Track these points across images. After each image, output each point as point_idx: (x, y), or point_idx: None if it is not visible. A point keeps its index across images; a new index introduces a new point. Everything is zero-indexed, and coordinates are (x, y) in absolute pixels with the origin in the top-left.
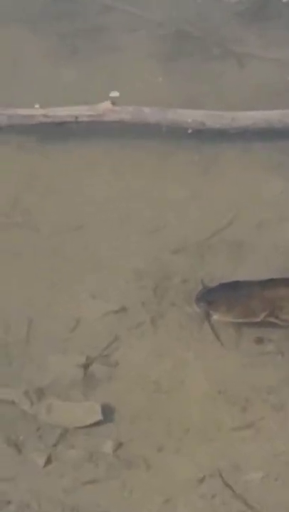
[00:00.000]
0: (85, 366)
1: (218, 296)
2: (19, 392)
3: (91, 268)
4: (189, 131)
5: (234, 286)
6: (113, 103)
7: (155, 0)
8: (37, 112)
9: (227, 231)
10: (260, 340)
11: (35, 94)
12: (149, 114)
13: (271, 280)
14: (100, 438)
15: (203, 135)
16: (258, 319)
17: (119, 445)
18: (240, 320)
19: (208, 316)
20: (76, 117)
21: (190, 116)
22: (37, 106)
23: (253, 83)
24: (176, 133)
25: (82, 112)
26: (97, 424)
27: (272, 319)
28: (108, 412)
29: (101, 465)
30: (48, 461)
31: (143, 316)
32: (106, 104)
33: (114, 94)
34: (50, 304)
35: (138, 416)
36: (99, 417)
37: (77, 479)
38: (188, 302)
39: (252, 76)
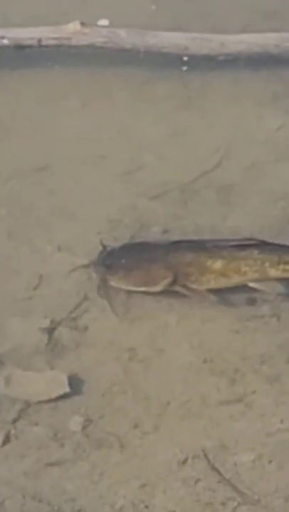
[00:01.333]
0: (50, 330)
1: (118, 259)
2: None
3: (57, 216)
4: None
5: (138, 249)
6: (82, 24)
7: None
8: None
9: (214, 174)
10: (252, 301)
11: None
12: (125, 37)
13: (179, 242)
14: (67, 413)
15: (187, 63)
16: (158, 288)
17: (88, 422)
18: (139, 288)
19: (104, 281)
20: (39, 40)
21: (171, 39)
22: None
23: (246, 1)
24: (156, 60)
25: (46, 33)
26: (63, 397)
27: (177, 288)
28: (76, 384)
29: (67, 444)
30: (7, 439)
31: None
32: (74, 26)
33: (104, 22)
34: (9, 257)
35: (110, 389)
36: (65, 389)
37: (40, 461)
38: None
39: None
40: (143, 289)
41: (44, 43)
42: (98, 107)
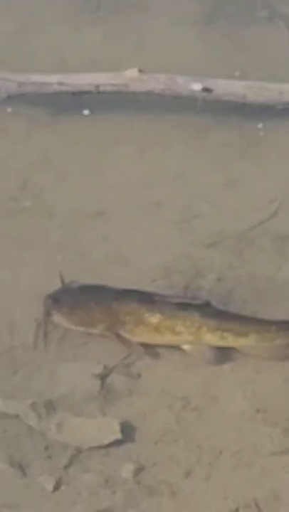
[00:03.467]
0: (102, 377)
1: (68, 297)
2: (25, 405)
3: (111, 263)
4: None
5: (91, 291)
6: (140, 70)
7: None
8: (52, 79)
9: (270, 223)
10: None
11: (50, 58)
12: (183, 84)
13: (132, 291)
14: (119, 460)
15: (244, 110)
16: (95, 331)
17: (140, 469)
18: (77, 328)
19: (47, 315)
20: (97, 86)
21: (230, 87)
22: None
23: None
24: (213, 107)
25: (104, 80)
26: (115, 444)
27: (108, 333)
28: (128, 431)
29: (119, 492)
30: (58, 485)
31: None
32: (132, 72)
33: (197, 86)
34: None
35: (163, 437)
36: (117, 435)
37: (91, 507)
38: (225, 304)
39: None
40: (81, 329)
41: (102, 89)
42: (154, 154)
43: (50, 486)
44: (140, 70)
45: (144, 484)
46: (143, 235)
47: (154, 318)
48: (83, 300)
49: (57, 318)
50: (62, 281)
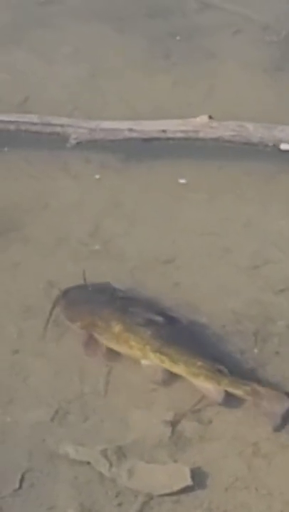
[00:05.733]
0: (173, 423)
1: (74, 292)
2: (96, 451)
3: (181, 309)
4: None
5: (97, 291)
6: (210, 117)
7: None
8: (122, 125)
9: None
10: None
11: (121, 104)
12: (253, 131)
13: (124, 297)
14: (189, 507)
15: None
16: (74, 327)
17: None
18: (65, 321)
19: (55, 303)
20: (167, 133)
21: None
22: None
23: None
24: (283, 154)
25: (174, 126)
26: (185, 490)
27: (82, 332)
28: (199, 478)
29: None
30: None
31: (242, 366)
32: (202, 119)
33: (285, 146)
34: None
35: (234, 484)
36: (188, 482)
37: None
38: None
39: None
40: (67, 323)
41: (171, 135)
42: (224, 200)
43: None
44: (210, 117)
45: None
46: (213, 281)
47: (117, 328)
48: (81, 297)
49: (58, 309)
50: (84, 279)
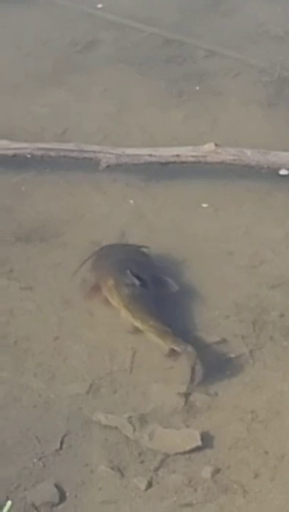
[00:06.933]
0: (186, 395)
1: (103, 250)
2: (123, 418)
3: (193, 302)
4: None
5: (123, 252)
6: (216, 145)
7: (258, 46)
8: (143, 151)
9: None
10: None
11: (142, 134)
12: (251, 156)
13: (132, 262)
14: (199, 464)
15: None
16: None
17: (217, 471)
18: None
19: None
20: (180, 157)
21: None
22: None
23: None
24: (276, 175)
25: (186, 152)
26: (196, 450)
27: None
28: (207, 440)
29: (199, 489)
30: (149, 485)
31: (242, 348)
32: (210, 146)
33: (283, 172)
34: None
35: (236, 444)
36: (198, 443)
37: (177, 502)
38: (286, 336)
39: None
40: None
41: (184, 160)
42: (228, 212)
43: (143, 485)
44: (216, 144)
45: (220, 483)
46: (218, 279)
47: (110, 283)
48: (106, 254)
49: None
50: (120, 240)
